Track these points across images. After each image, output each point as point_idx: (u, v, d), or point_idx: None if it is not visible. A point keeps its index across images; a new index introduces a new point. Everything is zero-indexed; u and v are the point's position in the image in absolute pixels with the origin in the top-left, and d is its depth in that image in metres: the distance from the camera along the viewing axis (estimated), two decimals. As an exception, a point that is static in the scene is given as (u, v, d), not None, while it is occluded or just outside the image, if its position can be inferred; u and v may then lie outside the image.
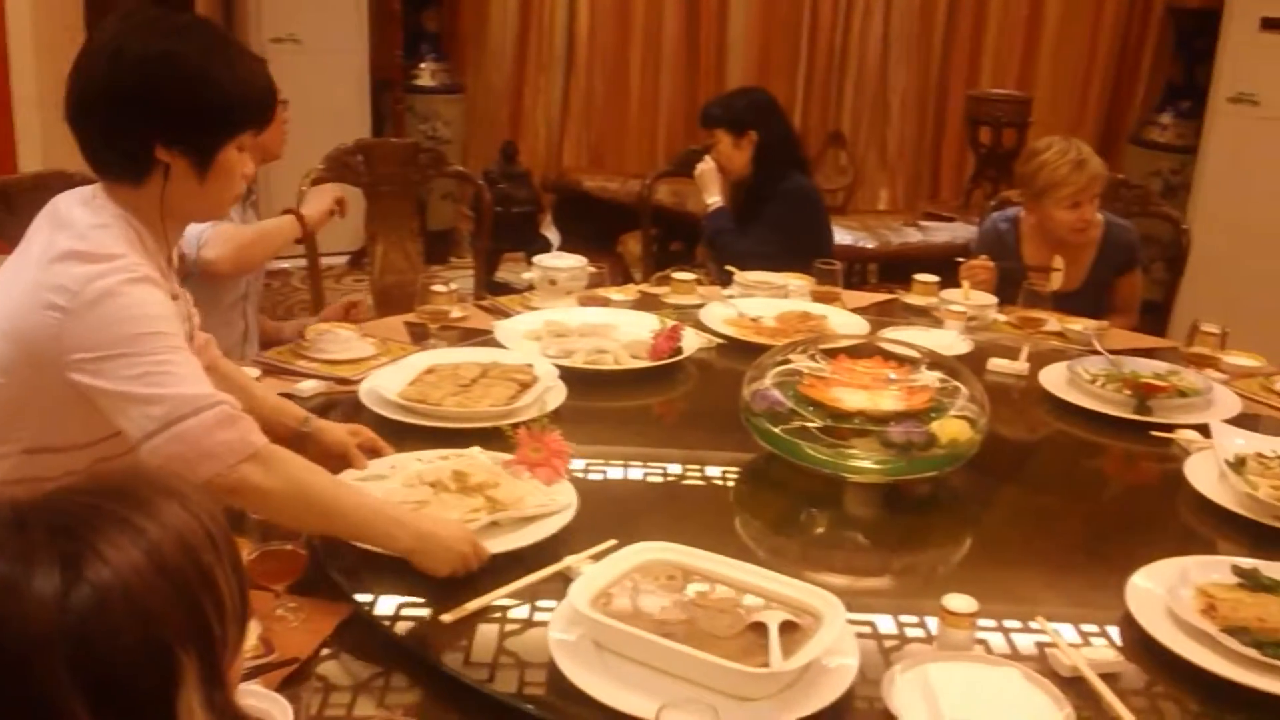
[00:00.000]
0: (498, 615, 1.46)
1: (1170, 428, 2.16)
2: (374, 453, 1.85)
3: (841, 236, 4.93)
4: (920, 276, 3.02)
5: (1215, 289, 4.71)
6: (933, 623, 1.46)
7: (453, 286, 2.61)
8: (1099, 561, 1.72)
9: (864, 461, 1.79)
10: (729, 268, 3.00)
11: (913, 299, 2.99)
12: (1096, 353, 2.52)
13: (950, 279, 2.98)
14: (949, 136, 6.25)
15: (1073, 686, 1.35)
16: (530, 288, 2.85)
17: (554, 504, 1.68)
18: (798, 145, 3.79)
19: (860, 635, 1.45)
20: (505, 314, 2.68)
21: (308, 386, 2.16)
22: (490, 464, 1.77)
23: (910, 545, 1.82)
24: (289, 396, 2.11)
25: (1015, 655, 1.44)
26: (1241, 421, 2.20)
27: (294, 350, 2.31)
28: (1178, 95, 5.81)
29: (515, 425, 1.85)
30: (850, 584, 1.68)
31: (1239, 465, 1.94)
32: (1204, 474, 1.95)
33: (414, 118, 6.01)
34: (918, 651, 1.41)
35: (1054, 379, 2.39)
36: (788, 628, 1.36)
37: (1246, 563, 1.61)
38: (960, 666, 1.36)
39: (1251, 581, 1.58)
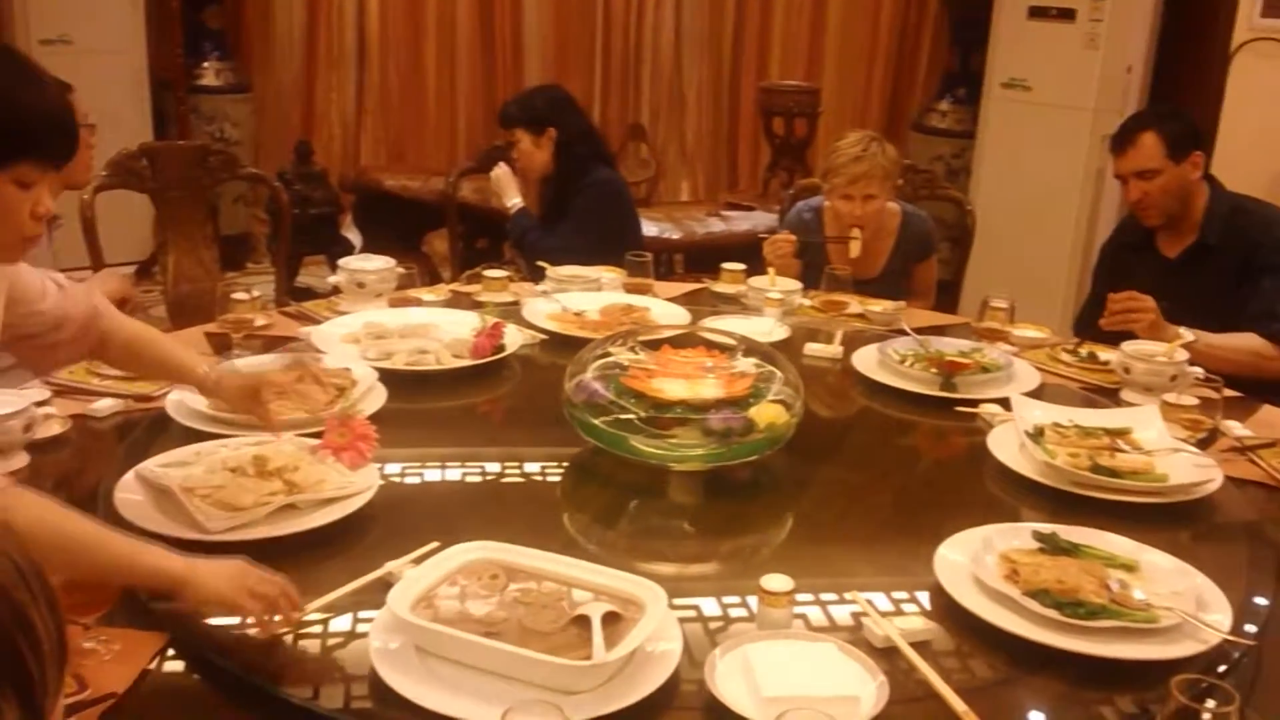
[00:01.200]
0: (319, 629, 1.42)
1: (974, 403, 2.25)
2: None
3: (647, 228, 4.97)
4: (728, 265, 3.08)
5: (1000, 265, 4.98)
6: (756, 603, 1.49)
7: (255, 294, 2.50)
8: (910, 534, 1.76)
9: (686, 450, 1.81)
10: (540, 264, 2.99)
11: (721, 287, 3.04)
12: (905, 333, 2.62)
13: (755, 266, 3.05)
14: (744, 127, 6.40)
15: (887, 656, 1.40)
16: (336, 291, 2.77)
17: (353, 486, 1.68)
18: (599, 139, 3.80)
19: (688, 620, 1.47)
20: (313, 320, 2.60)
21: (104, 406, 2.04)
22: (294, 450, 1.75)
23: (733, 529, 1.85)
24: (83, 418, 2.00)
25: (833, 629, 1.49)
26: (1040, 394, 2.33)
27: (89, 369, 2.17)
28: (955, 83, 6.12)
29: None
30: (678, 571, 1.71)
31: (1038, 435, 2.03)
32: (1006, 445, 2.03)
33: (199, 119, 5.76)
34: (739, 632, 1.44)
35: (866, 361, 2.47)
36: (611, 619, 1.37)
37: (1046, 528, 1.68)
38: (779, 644, 1.39)
39: (1051, 546, 1.64)
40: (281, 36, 6.03)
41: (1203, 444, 2.12)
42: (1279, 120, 4.96)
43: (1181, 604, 1.48)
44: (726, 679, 1.31)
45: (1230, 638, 1.44)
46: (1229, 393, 2.31)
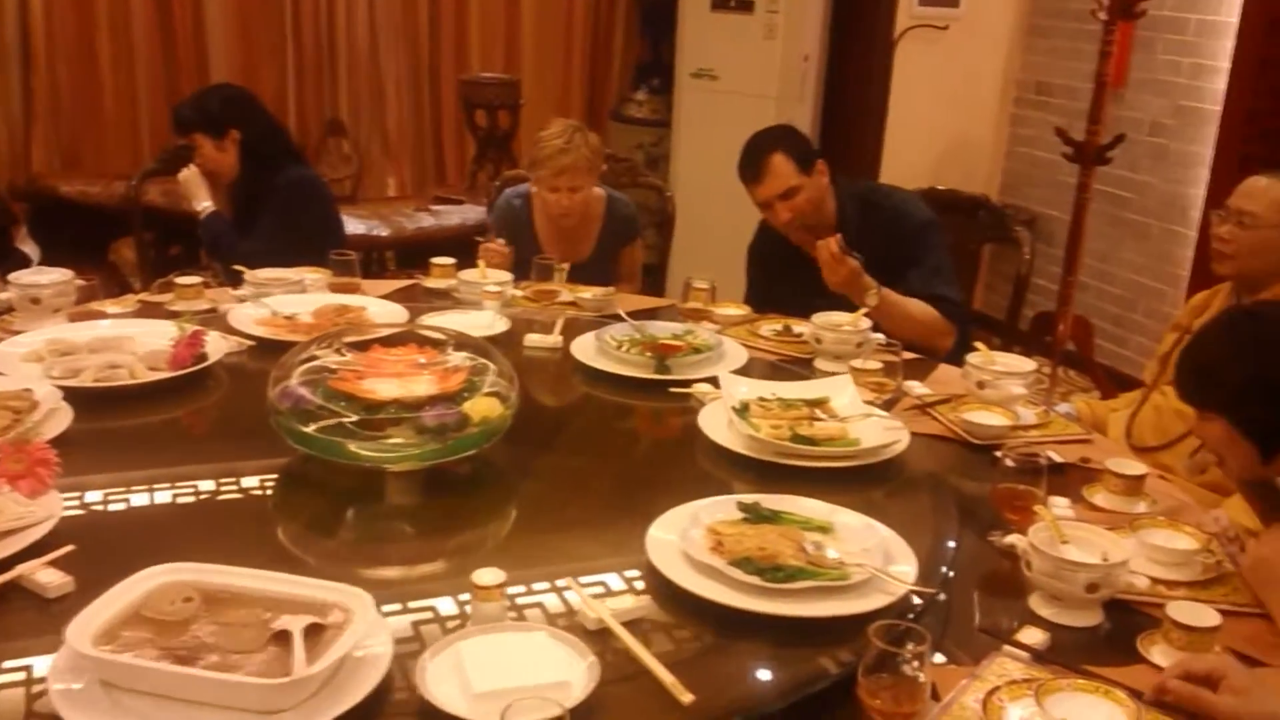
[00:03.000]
0: (21, 677, 1.31)
1: (688, 383, 2.32)
2: None
3: (354, 226, 4.88)
4: (437, 260, 3.06)
5: (702, 248, 5.17)
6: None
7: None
8: (628, 514, 1.76)
9: (401, 450, 1.78)
10: (238, 268, 2.86)
11: (432, 283, 3.01)
12: (621, 319, 2.66)
13: (466, 260, 3.04)
14: (447, 121, 6.34)
15: (600, 637, 1.42)
16: (9, 309, 2.55)
17: (33, 515, 1.57)
18: (286, 136, 3.67)
19: (424, 622, 1.46)
20: (-17, 341, 2.38)
21: None
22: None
23: (455, 525, 1.84)
24: None
25: (555, 616, 1.50)
26: (748, 370, 2.44)
27: None
28: (649, 73, 6.31)
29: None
30: (402, 574, 1.69)
31: (743, 410, 2.12)
32: (716, 422, 2.11)
33: None
34: (454, 631, 1.43)
35: (584, 348, 2.50)
36: (315, 631, 1.33)
37: (749, 498, 1.75)
38: (491, 638, 1.38)
39: (754, 514, 1.71)
40: (-73, 33, 5.46)
41: (889, 405, 2.30)
42: (941, 102, 5.42)
43: (870, 559, 1.58)
44: (439, 680, 1.30)
45: (914, 588, 1.54)
46: (908, 355, 2.51)
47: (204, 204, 3.40)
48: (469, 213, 5.24)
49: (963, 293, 3.03)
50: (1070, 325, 4.48)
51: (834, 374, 2.41)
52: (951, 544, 1.76)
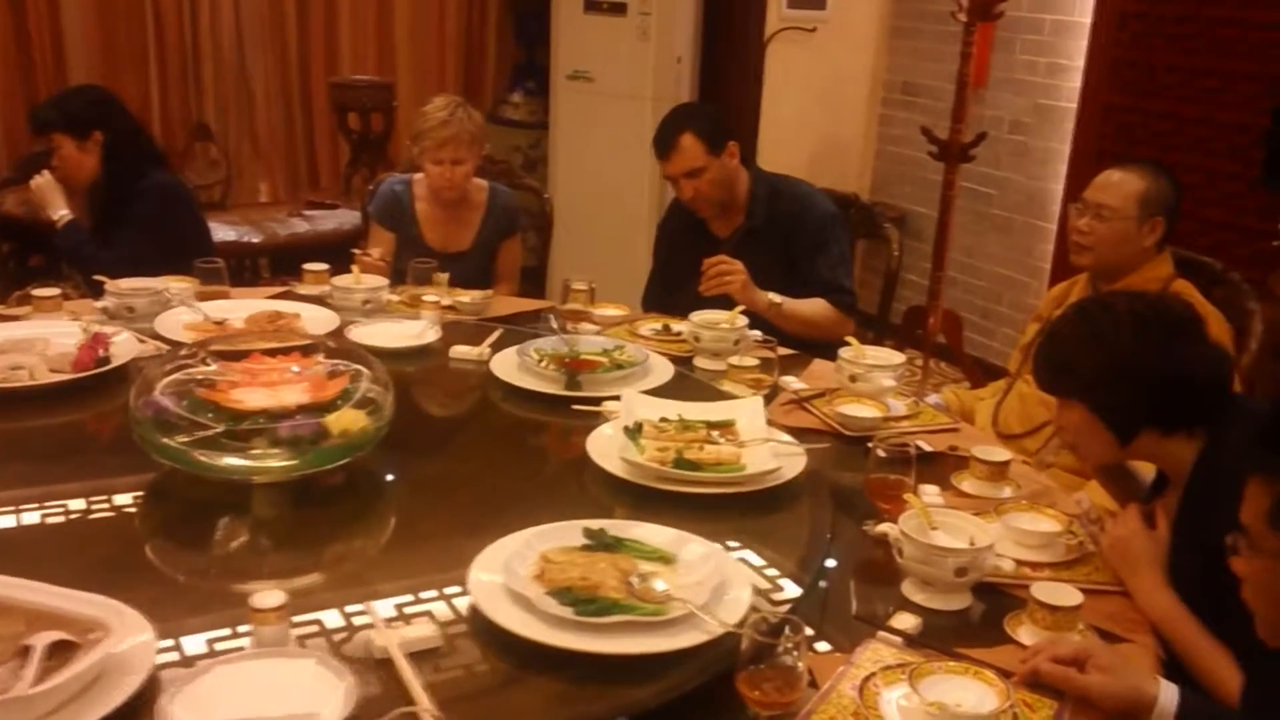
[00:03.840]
0: None
1: (596, 400, 2.22)
2: None
3: (225, 233, 4.76)
4: (310, 265, 3.00)
5: (582, 249, 5.19)
6: (379, 609, 1.47)
7: None
8: (488, 535, 1.64)
9: (264, 462, 1.73)
10: (99, 277, 2.76)
11: (305, 289, 2.96)
12: (554, 332, 2.58)
13: (341, 265, 2.99)
14: (319, 124, 6.23)
15: (385, 665, 1.37)
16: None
17: None
18: (150, 140, 3.58)
19: (309, 635, 1.45)
20: None
21: None
22: None
23: (317, 540, 1.78)
24: None
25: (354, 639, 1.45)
26: (669, 389, 2.33)
27: None
28: (524, 75, 6.29)
29: None
30: (285, 586, 1.64)
31: (636, 431, 2.03)
32: (608, 443, 2.00)
33: None
34: (221, 654, 1.39)
35: (505, 362, 2.42)
36: (64, 648, 1.29)
37: (596, 524, 1.67)
38: (255, 664, 1.35)
39: (597, 542, 1.63)
40: None
41: (766, 400, 2.34)
42: (812, 102, 5.52)
43: (700, 594, 1.49)
44: (187, 707, 1.25)
45: (731, 628, 1.42)
46: (784, 351, 2.56)
47: (60, 212, 3.28)
48: (344, 217, 5.16)
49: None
50: (940, 318, 4.61)
51: (713, 371, 2.45)
52: (828, 535, 1.80)
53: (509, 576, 1.52)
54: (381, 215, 3.32)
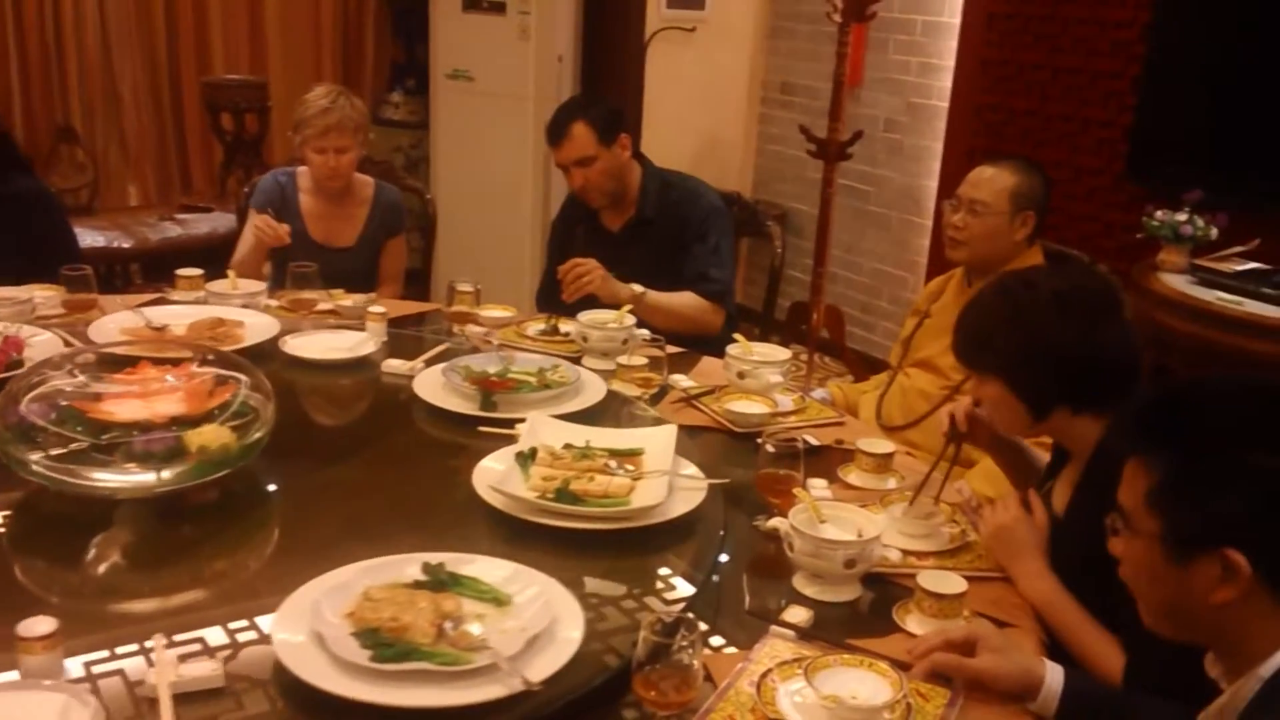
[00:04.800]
0: None
1: (511, 423, 2.09)
2: None
3: (93, 238, 4.60)
4: (183, 271, 2.91)
5: (467, 250, 5.15)
6: (265, 624, 1.42)
7: None
8: (350, 560, 1.56)
9: (132, 477, 1.68)
10: (-43, 288, 2.64)
11: (179, 295, 2.86)
12: (492, 348, 2.51)
13: (216, 270, 2.91)
14: (191, 126, 6.04)
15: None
16: None
17: None
18: (14, 145, 3.46)
19: (192, 655, 1.40)
20: None
21: None
22: None
23: (164, 560, 1.71)
24: None
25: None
26: (597, 412, 2.23)
27: None
28: (404, 74, 6.21)
29: None
30: (162, 605, 1.59)
31: (528, 457, 1.91)
32: (495, 469, 1.88)
33: None
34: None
35: (428, 379, 2.32)
36: None
37: (439, 557, 1.56)
38: (8, 696, 1.28)
39: (432, 578, 1.53)
40: None
41: (655, 399, 2.35)
42: (693, 102, 5.56)
43: (515, 641, 1.39)
44: None
45: (529, 685, 1.32)
46: (672, 349, 2.57)
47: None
48: (219, 221, 5.03)
49: (734, 276, 3.18)
50: (823, 314, 4.69)
51: (601, 371, 2.44)
52: (720, 532, 1.81)
53: (314, 613, 1.42)
54: (263, 206, 3.25)
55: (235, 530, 1.81)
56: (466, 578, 1.54)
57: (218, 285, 2.81)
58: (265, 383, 1.87)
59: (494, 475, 1.86)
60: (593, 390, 2.33)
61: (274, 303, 2.82)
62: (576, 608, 1.49)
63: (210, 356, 1.95)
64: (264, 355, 2.43)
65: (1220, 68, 3.66)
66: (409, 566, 1.55)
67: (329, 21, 6.31)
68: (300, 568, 1.55)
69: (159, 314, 2.59)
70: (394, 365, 2.45)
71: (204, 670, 1.35)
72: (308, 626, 1.40)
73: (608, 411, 2.27)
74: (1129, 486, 1.26)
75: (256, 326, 2.58)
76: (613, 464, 1.91)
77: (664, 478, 1.85)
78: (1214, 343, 3.12)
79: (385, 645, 1.37)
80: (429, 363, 2.44)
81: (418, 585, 1.51)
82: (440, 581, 1.52)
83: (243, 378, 1.86)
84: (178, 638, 1.44)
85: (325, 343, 2.54)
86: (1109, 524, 1.30)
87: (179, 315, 2.60)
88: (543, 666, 1.37)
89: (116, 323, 2.53)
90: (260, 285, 2.83)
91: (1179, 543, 1.21)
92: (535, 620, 1.44)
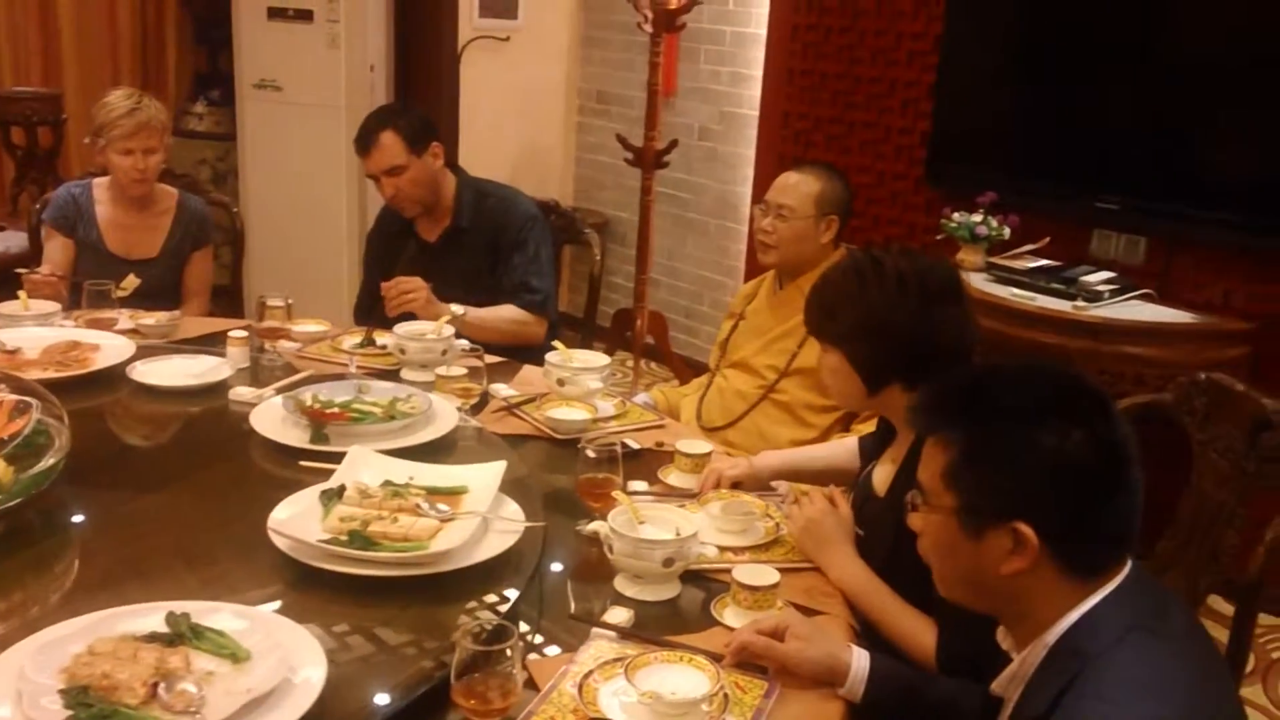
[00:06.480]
0: None
1: (341, 456, 1.95)
2: None
3: None
4: (-32, 294, 2.75)
5: (279, 265, 5.01)
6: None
7: None
8: (109, 604, 1.48)
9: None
10: None
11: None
12: (353, 377, 2.40)
13: (8, 291, 2.76)
14: (-22, 140, 5.70)
15: None
16: None
17: None
18: None
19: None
20: None
21: None
22: None
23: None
24: None
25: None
26: (446, 445, 2.16)
27: None
28: (207, 84, 5.99)
29: None
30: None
31: (335, 496, 1.81)
32: (296, 508, 1.78)
33: None
34: None
35: (267, 410, 2.20)
36: None
37: (186, 606, 1.45)
38: None
39: (173, 630, 1.41)
40: None
41: (476, 409, 2.34)
42: (510, 111, 5.56)
43: (233, 702, 1.29)
44: None
45: None
46: (491, 359, 2.56)
47: None
48: (10, 239, 4.75)
49: (555, 284, 3.19)
50: (646, 320, 4.75)
51: (420, 383, 2.42)
52: (542, 539, 1.81)
53: (34, 663, 1.32)
54: (58, 219, 3.13)
55: (14, 563, 1.68)
56: (209, 630, 1.43)
57: (8, 307, 2.66)
58: (59, 409, 1.79)
59: (283, 514, 1.74)
60: (444, 420, 2.22)
61: (69, 323, 2.68)
62: (316, 645, 1.41)
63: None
64: (113, 380, 2.36)
65: (1007, 75, 3.88)
66: (152, 616, 1.44)
67: (127, 30, 6.04)
68: (56, 610, 1.47)
69: (11, 336, 2.45)
70: (241, 394, 2.34)
71: None
72: (12, 684, 1.29)
73: (458, 444, 2.20)
74: (927, 464, 1.34)
75: (110, 350, 2.47)
76: (424, 504, 1.79)
77: (475, 520, 1.75)
78: (1010, 337, 3.29)
79: (85, 705, 1.26)
80: (281, 391, 2.31)
81: (152, 638, 1.40)
82: (179, 634, 1.41)
83: (34, 402, 1.77)
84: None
85: (178, 369, 2.43)
86: (909, 500, 1.37)
87: (34, 339, 2.47)
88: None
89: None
90: (54, 306, 2.69)
91: (972, 516, 1.28)
92: (267, 677, 1.33)
